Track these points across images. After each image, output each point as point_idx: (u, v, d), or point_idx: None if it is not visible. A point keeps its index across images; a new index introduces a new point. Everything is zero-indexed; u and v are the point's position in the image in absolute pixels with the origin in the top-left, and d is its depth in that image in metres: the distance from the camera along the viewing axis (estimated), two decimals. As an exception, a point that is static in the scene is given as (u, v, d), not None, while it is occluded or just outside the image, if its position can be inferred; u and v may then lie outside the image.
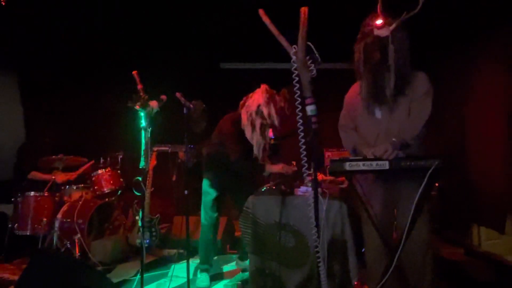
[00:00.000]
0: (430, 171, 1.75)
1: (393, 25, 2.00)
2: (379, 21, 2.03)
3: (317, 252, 1.94)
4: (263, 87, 3.05)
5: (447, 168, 1.76)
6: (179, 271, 3.30)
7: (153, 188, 3.98)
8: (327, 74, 2.25)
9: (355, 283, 2.40)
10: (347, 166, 1.85)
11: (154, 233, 4.05)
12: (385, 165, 1.82)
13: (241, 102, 3.08)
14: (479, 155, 3.66)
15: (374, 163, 1.84)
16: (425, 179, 1.77)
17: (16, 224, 3.76)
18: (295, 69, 1.92)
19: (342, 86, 2.44)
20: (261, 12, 1.94)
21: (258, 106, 2.95)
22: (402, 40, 2.01)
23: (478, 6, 3.52)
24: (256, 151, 2.97)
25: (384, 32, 2.02)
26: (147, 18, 4.45)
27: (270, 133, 3.89)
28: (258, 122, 2.95)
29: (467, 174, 3.83)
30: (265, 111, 2.94)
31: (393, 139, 1.90)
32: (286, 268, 2.48)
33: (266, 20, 1.94)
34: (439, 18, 3.97)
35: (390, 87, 2.03)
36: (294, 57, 1.91)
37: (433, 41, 4.37)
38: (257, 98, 2.97)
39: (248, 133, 2.98)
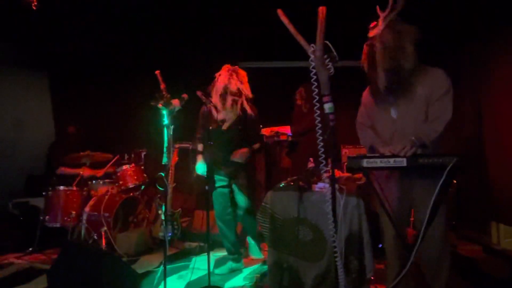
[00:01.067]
0: (448, 168, 1.72)
1: (382, 24, 2.01)
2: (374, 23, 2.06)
3: (335, 247, 1.94)
4: (224, 67, 3.15)
5: (465, 165, 1.73)
6: (199, 263, 3.35)
7: (175, 184, 4.04)
8: (345, 71, 2.23)
9: (371, 277, 2.38)
10: (365, 163, 1.84)
11: (175, 227, 4.11)
12: (403, 162, 1.80)
13: (210, 87, 3.14)
14: (497, 152, 3.56)
15: (391, 160, 1.82)
16: (443, 176, 1.74)
17: (47, 217, 3.88)
18: (313, 68, 1.92)
19: (359, 83, 2.42)
20: (279, 12, 1.94)
21: (224, 86, 3.04)
22: (390, 38, 1.98)
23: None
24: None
25: (374, 32, 2.04)
26: (170, 19, 4.50)
27: (288, 130, 3.90)
28: (229, 100, 3.04)
29: (485, 171, 3.73)
30: (232, 87, 3.03)
31: (412, 138, 1.87)
32: (303, 262, 2.48)
33: (284, 20, 1.94)
34: (456, 13, 3.88)
35: (382, 84, 2.03)
36: (312, 56, 1.91)
37: (449, 35, 4.27)
38: (222, 79, 3.07)
39: (225, 114, 3.10)
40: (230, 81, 3.03)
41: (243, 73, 3.13)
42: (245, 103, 3.12)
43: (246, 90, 3.11)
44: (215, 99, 3.06)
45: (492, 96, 3.64)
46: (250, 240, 3.54)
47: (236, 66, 3.16)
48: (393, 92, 2.09)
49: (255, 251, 3.51)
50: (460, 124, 4.06)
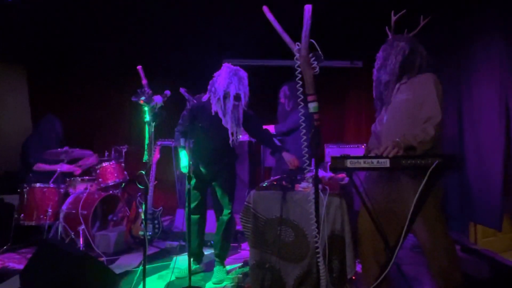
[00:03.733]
0: (430, 170, 1.73)
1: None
2: None
3: (317, 247, 1.93)
4: (224, 67, 2.94)
5: (449, 166, 1.74)
6: (181, 263, 3.30)
7: (156, 181, 3.97)
8: (329, 70, 2.24)
9: (352, 278, 2.39)
10: (348, 163, 1.83)
11: (156, 225, 4.05)
12: (386, 163, 1.80)
13: (208, 87, 2.98)
14: (475, 152, 3.63)
15: (374, 160, 1.81)
16: (425, 178, 1.75)
17: (22, 215, 3.76)
18: (298, 66, 1.90)
19: (343, 82, 2.43)
20: (265, 9, 1.91)
21: (224, 90, 2.86)
22: (381, 51, 2.20)
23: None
24: (230, 136, 2.94)
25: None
26: (152, 14, 4.42)
27: (272, 129, 3.88)
28: (229, 104, 2.87)
29: (465, 171, 3.80)
30: (233, 92, 2.84)
31: (396, 139, 1.87)
32: (285, 262, 2.47)
33: (270, 17, 1.91)
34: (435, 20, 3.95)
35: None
36: (297, 54, 1.89)
37: (430, 38, 4.33)
38: (222, 81, 2.87)
39: (222, 119, 2.93)
40: (230, 86, 2.84)
41: (244, 75, 2.92)
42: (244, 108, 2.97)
43: (246, 95, 2.92)
44: (214, 101, 2.91)
45: (472, 95, 3.71)
46: (218, 262, 3.15)
47: (237, 67, 2.94)
48: (381, 101, 2.20)
49: (219, 275, 3.05)
50: (444, 125, 4.13)
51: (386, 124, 2.15)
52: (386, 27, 2.25)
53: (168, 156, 4.48)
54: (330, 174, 2.66)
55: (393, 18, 2.22)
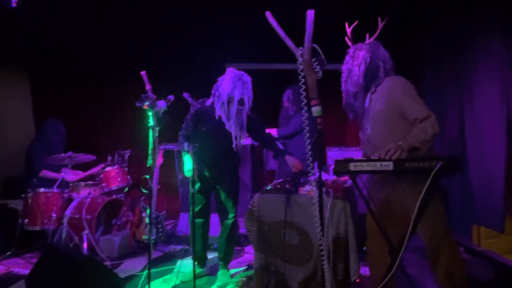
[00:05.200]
0: (433, 172, 1.73)
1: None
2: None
3: (322, 250, 1.94)
4: (228, 71, 2.94)
5: (451, 169, 1.74)
6: (185, 266, 3.30)
7: (160, 186, 3.98)
8: (332, 74, 2.26)
9: (356, 280, 2.39)
10: (352, 166, 1.84)
11: (160, 230, 4.06)
12: (389, 166, 1.81)
13: (212, 92, 3.00)
14: (477, 154, 3.64)
15: (378, 163, 1.82)
16: (428, 180, 1.75)
17: (27, 220, 3.76)
18: (301, 71, 1.92)
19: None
20: (268, 14, 1.93)
21: (228, 94, 2.87)
22: (345, 63, 2.24)
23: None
24: (234, 139, 2.95)
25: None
26: (155, 19, 4.45)
27: (275, 133, 3.90)
28: (233, 109, 2.89)
29: (466, 173, 3.80)
30: (237, 97, 2.86)
31: (399, 142, 1.88)
32: (290, 265, 2.48)
33: (273, 22, 1.93)
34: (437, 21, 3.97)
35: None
36: (300, 59, 1.90)
37: (431, 41, 4.35)
38: (226, 86, 2.88)
39: (226, 124, 2.94)
40: (234, 91, 2.85)
41: (248, 80, 2.93)
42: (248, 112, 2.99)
43: (250, 99, 2.92)
44: (218, 105, 2.92)
45: (473, 97, 3.72)
46: (222, 266, 3.15)
47: (242, 72, 2.95)
48: (353, 112, 2.26)
49: (223, 278, 3.08)
50: (442, 128, 4.14)
51: (371, 136, 2.16)
52: (346, 38, 2.27)
53: (171, 160, 4.49)
54: (333, 177, 2.67)
55: (348, 30, 2.25)
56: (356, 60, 2.17)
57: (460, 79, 3.92)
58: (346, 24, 2.24)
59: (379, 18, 2.22)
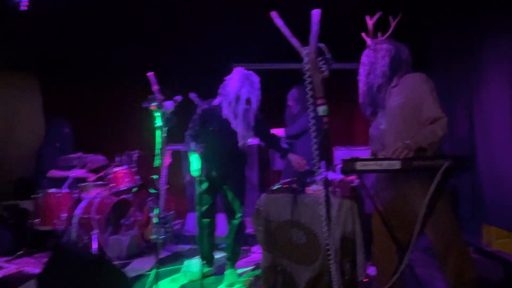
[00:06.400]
0: (441, 171, 1.72)
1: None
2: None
3: (329, 249, 1.93)
4: (236, 71, 2.95)
5: (459, 168, 1.73)
6: (192, 266, 3.32)
7: (167, 186, 4.00)
8: (338, 73, 2.25)
9: (364, 280, 2.38)
10: (359, 165, 1.83)
11: (168, 229, 4.08)
12: (397, 164, 1.79)
13: (219, 91, 3.01)
14: (488, 153, 3.60)
15: (385, 162, 1.81)
16: (436, 179, 1.74)
17: (37, 220, 3.82)
18: (307, 70, 1.91)
19: (352, 84, 2.43)
20: (273, 14, 1.93)
21: (236, 93, 2.88)
22: (365, 55, 2.20)
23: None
24: (241, 139, 2.95)
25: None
26: (163, 20, 4.47)
27: (282, 133, 3.90)
28: (240, 108, 2.89)
29: (476, 172, 3.76)
30: (244, 96, 2.87)
31: (407, 141, 1.86)
32: (297, 265, 2.47)
33: (278, 22, 1.93)
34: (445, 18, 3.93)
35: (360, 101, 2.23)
36: (306, 59, 1.90)
37: (440, 41, 4.32)
38: (233, 85, 2.89)
39: (232, 123, 2.94)
40: (242, 90, 2.86)
41: (256, 79, 2.94)
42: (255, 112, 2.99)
43: (258, 99, 2.93)
44: (225, 104, 2.94)
45: (482, 97, 3.68)
46: (229, 265, 3.16)
47: (250, 71, 2.97)
48: (374, 106, 2.19)
49: (230, 278, 3.09)
50: (453, 125, 4.10)
51: (386, 131, 2.13)
52: (363, 33, 2.24)
53: (179, 161, 4.51)
54: (340, 176, 2.66)
55: (370, 22, 2.22)
56: (379, 52, 2.14)
57: (469, 78, 3.88)
58: (367, 17, 2.21)
59: (390, 18, 2.20)
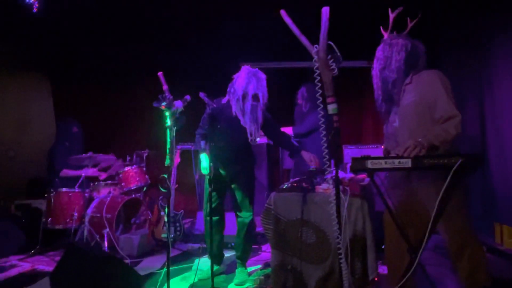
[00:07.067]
0: (453, 169, 1.70)
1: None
2: None
3: (339, 248, 1.92)
4: (243, 69, 2.97)
5: (471, 166, 1.71)
6: (202, 264, 3.33)
7: (177, 185, 4.03)
8: (347, 71, 2.24)
9: (375, 279, 2.37)
10: (369, 164, 1.82)
11: (178, 228, 4.11)
12: (408, 163, 1.78)
13: (228, 89, 3.02)
14: (499, 151, 3.54)
15: (396, 161, 1.80)
16: (448, 178, 1.72)
17: (50, 219, 3.87)
18: (317, 68, 1.91)
19: (362, 82, 2.42)
20: (282, 13, 1.93)
21: (243, 90, 2.89)
22: (381, 50, 2.18)
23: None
24: (249, 135, 2.95)
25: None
26: (172, 19, 4.49)
27: (290, 131, 3.89)
28: (247, 105, 2.90)
29: (488, 171, 3.71)
30: (251, 92, 2.88)
31: (418, 139, 1.84)
32: (307, 263, 2.47)
33: (287, 20, 1.93)
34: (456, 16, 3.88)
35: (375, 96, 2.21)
36: (315, 57, 1.89)
37: (450, 36, 4.26)
38: (240, 82, 2.91)
39: (241, 119, 2.95)
40: (249, 86, 2.88)
41: (262, 76, 2.96)
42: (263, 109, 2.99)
43: (265, 95, 2.94)
44: (233, 102, 2.96)
45: (494, 93, 3.62)
46: (239, 264, 3.17)
47: (256, 69, 2.99)
48: (389, 102, 2.16)
49: (241, 276, 3.08)
50: (464, 123, 4.05)
51: (399, 129, 2.11)
52: (381, 27, 2.22)
53: (188, 160, 4.54)
54: (350, 175, 2.64)
55: (392, 16, 2.18)
56: (395, 47, 2.12)
57: (480, 75, 3.82)
58: (390, 9, 2.18)
59: (408, 18, 2.17)
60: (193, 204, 4.96)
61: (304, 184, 2.60)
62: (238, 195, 3.13)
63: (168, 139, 2.49)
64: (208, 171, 2.71)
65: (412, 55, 2.10)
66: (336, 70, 1.89)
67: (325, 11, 1.81)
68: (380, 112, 2.25)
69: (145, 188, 4.46)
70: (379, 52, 2.18)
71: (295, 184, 2.67)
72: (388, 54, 2.13)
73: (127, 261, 3.54)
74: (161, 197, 4.13)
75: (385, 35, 2.22)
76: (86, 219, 3.82)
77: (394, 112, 2.17)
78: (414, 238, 1.96)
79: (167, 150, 2.50)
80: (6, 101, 4.84)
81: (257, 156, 3.37)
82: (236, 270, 3.13)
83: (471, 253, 1.95)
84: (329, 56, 1.87)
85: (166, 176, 2.54)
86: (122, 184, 4.22)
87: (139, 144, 4.88)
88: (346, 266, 2.02)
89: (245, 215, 3.12)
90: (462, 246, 1.96)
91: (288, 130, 3.80)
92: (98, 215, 3.80)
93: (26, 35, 4.63)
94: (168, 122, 2.47)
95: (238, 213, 3.18)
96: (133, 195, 4.21)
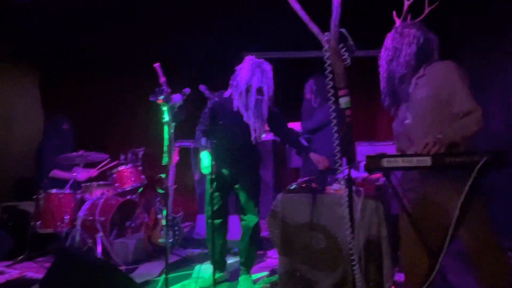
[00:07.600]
0: (477, 168, 1.69)
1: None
2: None
3: (352, 254, 1.92)
4: (246, 59, 2.97)
5: (496, 164, 1.69)
6: (203, 271, 3.34)
7: (176, 185, 4.04)
8: (360, 61, 2.22)
9: (391, 287, 2.36)
10: (385, 162, 1.81)
11: (177, 232, 4.12)
12: (427, 161, 1.77)
13: (230, 82, 3.03)
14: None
15: (414, 159, 1.79)
16: (472, 177, 1.71)
17: (39, 222, 3.89)
18: (327, 58, 1.89)
19: (375, 74, 2.40)
20: (290, -3, 1.91)
21: (246, 83, 2.89)
22: (390, 39, 2.13)
23: None
24: (253, 132, 2.95)
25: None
26: (170, 6, 4.48)
27: (298, 127, 3.88)
28: (252, 98, 2.90)
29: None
30: (255, 85, 2.88)
31: (438, 136, 1.83)
32: (317, 270, 2.47)
33: (295, 6, 1.92)
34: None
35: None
36: (326, 46, 1.88)
37: (476, 22, 4.22)
38: (244, 74, 2.91)
39: (244, 115, 2.95)
40: (253, 79, 2.87)
41: (268, 68, 2.95)
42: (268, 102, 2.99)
43: (270, 89, 2.94)
44: (236, 96, 2.96)
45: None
46: (243, 271, 3.16)
47: (262, 59, 2.98)
48: (394, 97, 2.14)
49: (245, 284, 3.10)
50: (488, 117, 4.02)
51: (413, 125, 2.09)
52: (394, 13, 2.16)
53: (187, 158, 4.54)
54: (363, 174, 2.64)
55: (407, 2, 2.12)
56: (406, 38, 2.06)
57: (506, 66, 3.79)
58: None
59: (426, 2, 2.13)
60: (193, 207, 4.98)
61: (313, 185, 2.59)
62: (242, 196, 3.13)
63: (166, 136, 2.50)
64: (210, 170, 2.71)
65: (424, 49, 2.06)
66: (348, 60, 1.88)
67: (337, -4, 1.80)
68: (384, 105, 2.23)
69: (141, 189, 4.47)
70: (388, 40, 2.13)
71: (303, 185, 2.67)
72: (397, 44, 2.08)
73: (122, 267, 3.56)
74: (158, 198, 4.13)
75: (397, 21, 2.17)
76: (78, 222, 3.83)
77: (404, 109, 2.14)
78: (433, 243, 1.95)
79: (165, 148, 2.51)
80: (-9, 95, 4.87)
81: (262, 154, 3.37)
82: (240, 278, 3.14)
83: (493, 259, 1.94)
84: (341, 45, 1.86)
85: (163, 176, 2.55)
86: (116, 184, 4.24)
87: (135, 141, 4.89)
88: (360, 273, 2.01)
89: (250, 218, 3.12)
90: (483, 252, 1.95)
91: (296, 125, 3.79)
92: (91, 218, 3.81)
93: (12, 24, 4.64)
94: (166, 117, 2.48)
95: (242, 216, 3.18)
96: (128, 197, 4.23)
